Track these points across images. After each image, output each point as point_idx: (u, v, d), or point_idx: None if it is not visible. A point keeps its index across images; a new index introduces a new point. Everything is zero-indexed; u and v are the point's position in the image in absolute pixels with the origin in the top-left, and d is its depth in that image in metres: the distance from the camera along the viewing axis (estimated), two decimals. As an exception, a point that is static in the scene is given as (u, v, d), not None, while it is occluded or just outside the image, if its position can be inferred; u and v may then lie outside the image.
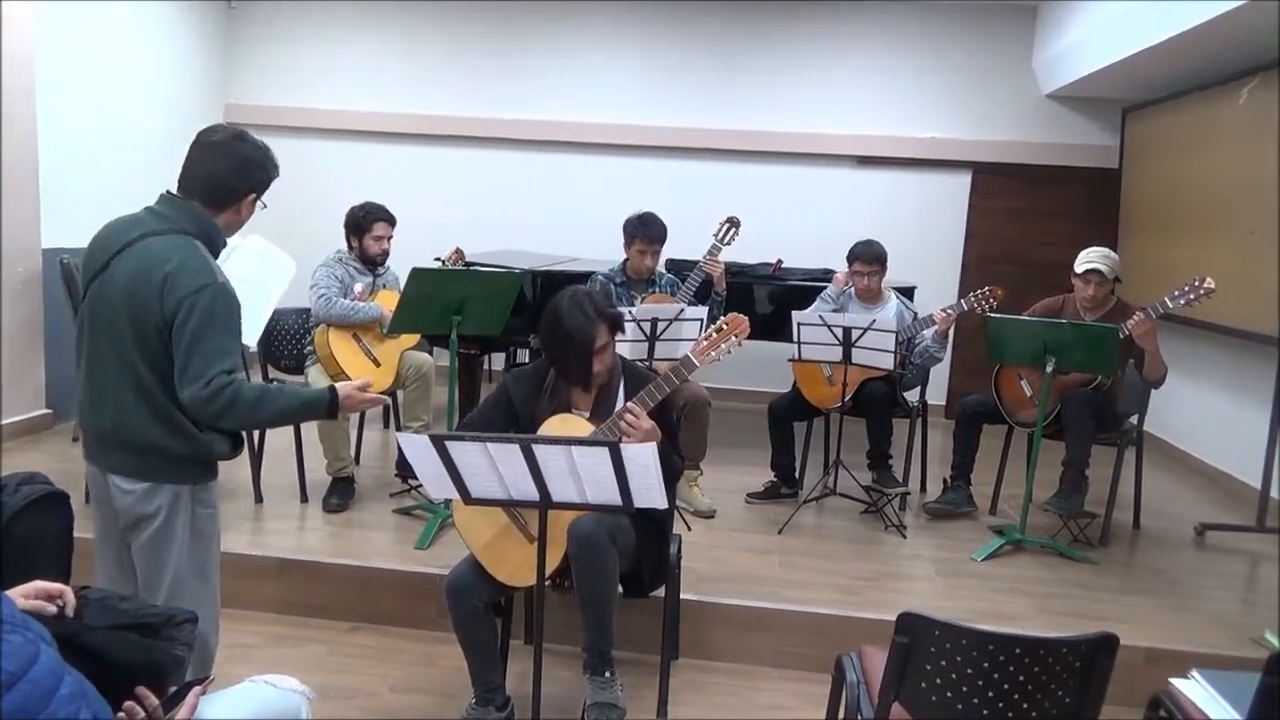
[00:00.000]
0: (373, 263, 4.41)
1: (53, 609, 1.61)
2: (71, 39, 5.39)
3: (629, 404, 2.67)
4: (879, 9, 6.69)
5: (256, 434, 4.28)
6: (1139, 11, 4.94)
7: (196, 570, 2.34)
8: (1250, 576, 4.18)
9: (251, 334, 4.14)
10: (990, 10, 6.60)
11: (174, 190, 2.29)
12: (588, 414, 2.77)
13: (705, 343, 2.70)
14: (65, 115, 5.30)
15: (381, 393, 4.47)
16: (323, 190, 6.85)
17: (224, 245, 2.35)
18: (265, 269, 2.83)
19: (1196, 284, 3.76)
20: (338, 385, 2.41)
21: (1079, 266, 4.14)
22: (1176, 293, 3.80)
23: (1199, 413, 5.70)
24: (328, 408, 2.37)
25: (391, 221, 4.43)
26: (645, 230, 4.33)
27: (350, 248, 4.43)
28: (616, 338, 2.81)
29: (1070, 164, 6.68)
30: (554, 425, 2.72)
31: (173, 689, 1.67)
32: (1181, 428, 5.89)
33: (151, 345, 2.19)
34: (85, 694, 1.36)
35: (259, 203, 2.39)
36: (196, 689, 1.67)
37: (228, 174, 2.27)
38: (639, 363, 3.42)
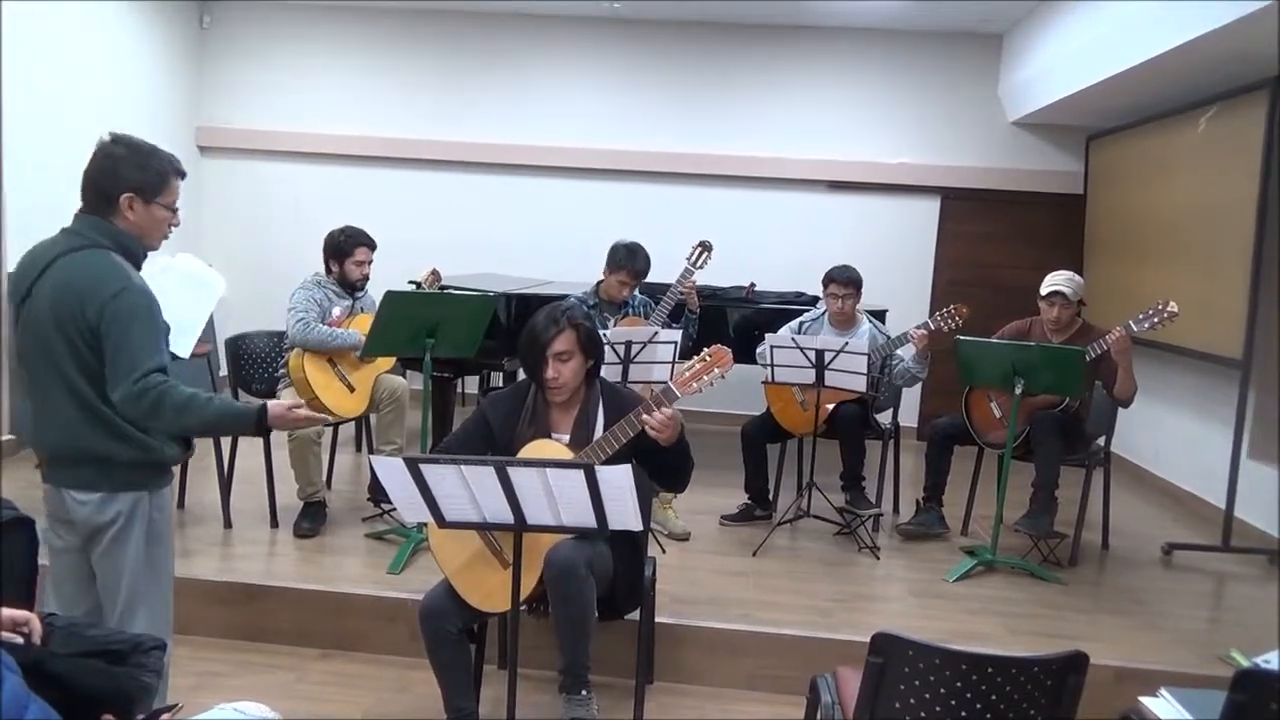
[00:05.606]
0: (352, 287, 4.39)
1: (19, 639, 1.58)
2: (36, 59, 5.32)
3: (646, 405, 2.59)
4: (849, 37, 6.80)
5: (226, 458, 4.23)
6: (1101, 42, 5.06)
7: (152, 573, 2.37)
8: (1216, 595, 4.24)
9: (184, 347, 4.16)
10: (957, 39, 6.73)
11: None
12: (567, 438, 2.76)
13: (688, 374, 2.64)
14: (30, 137, 5.22)
15: (355, 417, 4.51)
16: (296, 213, 6.84)
17: (144, 252, 2.34)
18: (196, 287, 2.86)
19: (1160, 307, 3.84)
20: (269, 403, 2.36)
21: (1044, 289, 4.22)
22: (1141, 316, 3.88)
23: (1164, 434, 5.79)
24: (255, 424, 2.33)
25: (372, 246, 4.41)
26: (633, 263, 4.27)
27: (329, 271, 4.38)
28: (591, 362, 2.80)
29: (1036, 189, 6.80)
30: (532, 451, 2.70)
31: (140, 717, 1.65)
32: (1147, 449, 5.97)
33: (84, 357, 2.23)
34: (51, 722, 1.34)
35: (158, 206, 2.30)
36: (164, 717, 1.65)
37: (96, 177, 2.28)
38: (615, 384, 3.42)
